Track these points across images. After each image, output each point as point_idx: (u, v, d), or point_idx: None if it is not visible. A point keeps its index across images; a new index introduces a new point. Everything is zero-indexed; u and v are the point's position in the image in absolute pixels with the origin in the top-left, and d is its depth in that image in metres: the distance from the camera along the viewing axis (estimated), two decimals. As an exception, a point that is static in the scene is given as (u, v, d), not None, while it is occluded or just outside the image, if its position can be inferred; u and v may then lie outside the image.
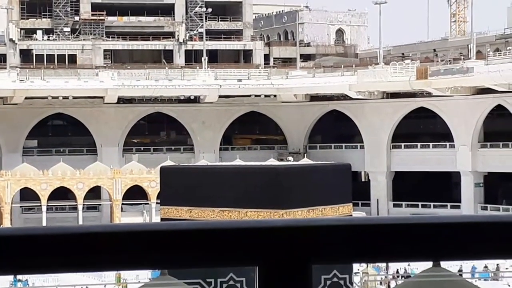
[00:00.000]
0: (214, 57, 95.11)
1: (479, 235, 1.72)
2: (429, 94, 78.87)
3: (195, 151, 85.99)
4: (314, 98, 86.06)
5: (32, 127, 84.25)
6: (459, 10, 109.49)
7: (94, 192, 79.07)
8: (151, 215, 76.20)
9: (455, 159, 78.09)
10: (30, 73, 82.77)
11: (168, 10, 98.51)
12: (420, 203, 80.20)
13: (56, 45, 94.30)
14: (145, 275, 40.68)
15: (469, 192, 77.73)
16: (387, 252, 1.72)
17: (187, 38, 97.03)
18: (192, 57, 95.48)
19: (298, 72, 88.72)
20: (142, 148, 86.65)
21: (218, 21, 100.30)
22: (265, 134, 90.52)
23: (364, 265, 37.89)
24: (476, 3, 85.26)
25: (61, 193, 76.76)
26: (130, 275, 47.80)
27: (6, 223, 74.00)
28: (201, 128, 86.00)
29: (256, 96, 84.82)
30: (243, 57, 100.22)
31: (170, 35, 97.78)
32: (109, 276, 47.99)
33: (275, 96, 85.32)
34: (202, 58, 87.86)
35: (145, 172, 77.05)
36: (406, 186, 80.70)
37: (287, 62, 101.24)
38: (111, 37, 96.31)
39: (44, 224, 71.30)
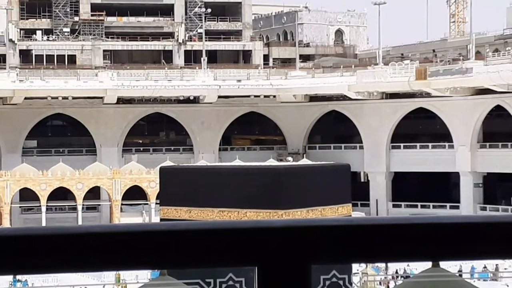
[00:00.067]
0: (214, 58, 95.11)
1: (478, 236, 1.72)
2: (428, 95, 78.88)
3: (194, 152, 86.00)
4: (313, 98, 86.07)
5: (31, 127, 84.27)
6: (458, 11, 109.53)
7: (94, 193, 79.07)
8: (150, 215, 76.20)
9: (454, 160, 78.11)
10: (29, 74, 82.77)
11: (167, 11, 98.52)
12: (419, 204, 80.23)
13: (56, 45, 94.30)
14: (144, 275, 40.68)
15: (468, 193, 77.76)
16: (386, 252, 1.72)
17: (186, 38, 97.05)
18: (192, 58, 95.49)
19: (298, 73, 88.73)
20: (141, 148, 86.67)
21: (217, 21, 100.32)
22: (264, 134, 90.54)
23: (363, 265, 37.89)
24: (475, 3, 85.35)
25: (61, 194, 76.77)
26: (129, 275, 47.81)
27: (6, 223, 74.01)
28: (200, 128, 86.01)
29: (255, 96, 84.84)
30: (243, 58, 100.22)
31: (169, 35, 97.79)
32: (109, 276, 48.00)
33: (274, 96, 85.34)
34: (202, 59, 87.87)
35: (145, 173, 77.05)
36: (406, 186, 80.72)
37: (287, 62, 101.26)
38: (111, 38, 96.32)
39: (43, 224, 71.31)
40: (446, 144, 79.69)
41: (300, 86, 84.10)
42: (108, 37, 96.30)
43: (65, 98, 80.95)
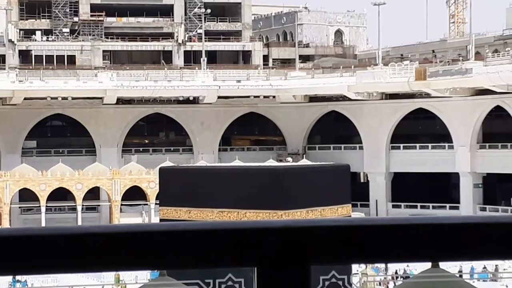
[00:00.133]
0: (213, 58, 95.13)
1: (478, 236, 1.72)
2: (428, 95, 78.90)
3: (194, 152, 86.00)
4: (313, 99, 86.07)
5: (31, 127, 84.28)
6: (458, 11, 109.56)
7: (93, 193, 79.07)
8: (150, 216, 76.19)
9: (454, 160, 78.11)
10: (29, 74, 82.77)
11: (167, 11, 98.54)
12: (419, 204, 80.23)
13: (55, 45, 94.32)
14: (144, 275, 40.68)
15: (468, 193, 77.77)
16: (386, 253, 1.72)
17: (186, 39, 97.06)
18: (191, 58, 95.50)
19: (297, 73, 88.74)
20: (141, 149, 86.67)
21: (217, 22, 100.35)
22: (264, 135, 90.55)
23: (363, 266, 37.88)
24: (474, 4, 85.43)
25: (60, 194, 76.76)
26: (129, 276, 47.81)
27: (5, 224, 73.99)
28: (200, 129, 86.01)
29: (255, 97, 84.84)
30: (242, 58, 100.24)
31: (169, 36, 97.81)
32: (108, 276, 48.00)
33: (274, 97, 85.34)
34: (201, 59, 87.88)
35: (144, 173, 77.04)
36: (405, 187, 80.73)
37: (286, 63, 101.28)
38: (110, 38, 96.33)
39: (43, 224, 71.34)
40: (446, 144, 79.69)
41: (300, 86, 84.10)
42: (107, 38, 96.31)
43: (64, 98, 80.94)
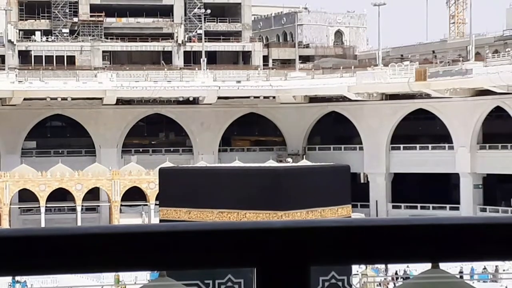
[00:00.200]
0: (213, 59, 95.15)
1: (478, 237, 1.72)
2: (428, 96, 78.90)
3: (194, 153, 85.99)
4: (313, 99, 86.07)
5: (30, 128, 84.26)
6: (458, 12, 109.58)
7: (93, 194, 79.05)
8: (150, 216, 76.18)
9: (454, 161, 78.11)
10: (28, 74, 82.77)
11: (167, 12, 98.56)
12: (419, 205, 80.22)
13: (55, 46, 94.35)
14: (143, 276, 40.67)
15: (468, 194, 77.76)
16: (386, 253, 1.72)
17: (186, 39, 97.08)
18: (191, 59, 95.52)
19: (297, 74, 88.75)
20: (141, 149, 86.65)
21: (217, 22, 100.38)
22: (264, 135, 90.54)
23: (363, 266, 37.88)
24: (475, 4, 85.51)
25: (60, 194, 76.74)
26: (128, 277, 47.80)
27: (5, 224, 73.99)
28: (200, 129, 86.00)
29: (255, 97, 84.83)
30: (242, 59, 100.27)
31: (169, 36, 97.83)
32: (108, 277, 47.98)
33: (274, 97, 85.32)
34: (201, 60, 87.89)
35: (144, 174, 77.02)
36: (405, 187, 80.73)
37: (286, 63, 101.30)
38: (110, 39, 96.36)
39: (42, 225, 71.31)
40: (446, 145, 79.69)
41: (300, 87, 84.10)
42: (107, 38, 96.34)
43: (64, 99, 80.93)
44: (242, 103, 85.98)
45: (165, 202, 45.57)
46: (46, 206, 76.13)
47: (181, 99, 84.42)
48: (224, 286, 16.96)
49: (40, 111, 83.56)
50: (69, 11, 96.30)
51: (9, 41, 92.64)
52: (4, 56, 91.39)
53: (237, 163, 70.53)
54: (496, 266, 50.66)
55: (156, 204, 67.82)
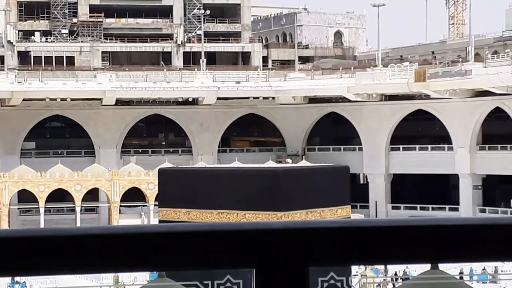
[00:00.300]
0: (213, 59, 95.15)
1: (477, 238, 1.72)
2: (427, 97, 78.92)
3: (193, 153, 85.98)
4: (312, 100, 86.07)
5: (30, 129, 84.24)
6: (458, 13, 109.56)
7: (92, 194, 79.03)
8: (149, 217, 76.15)
9: (453, 162, 78.11)
10: (28, 75, 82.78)
11: (166, 12, 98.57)
12: (418, 206, 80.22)
13: (54, 47, 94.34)
14: (143, 277, 40.68)
15: (468, 195, 77.77)
16: (385, 254, 1.72)
17: (185, 40, 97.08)
18: (191, 59, 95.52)
19: (297, 74, 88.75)
20: (140, 150, 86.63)
21: (216, 23, 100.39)
22: (263, 136, 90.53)
23: (362, 267, 37.89)
24: (474, 5, 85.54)
25: (59, 195, 76.71)
26: (128, 277, 47.80)
27: (4, 225, 73.97)
28: (199, 130, 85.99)
29: (254, 98, 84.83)
30: (242, 59, 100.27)
31: (168, 37, 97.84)
32: (107, 278, 47.98)
33: (273, 98, 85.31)
34: (201, 60, 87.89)
35: (143, 174, 77.01)
36: (405, 188, 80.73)
37: (286, 64, 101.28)
38: (109, 39, 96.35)
39: (42, 226, 71.31)
40: (446, 146, 79.70)
41: (299, 87, 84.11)
42: (106, 39, 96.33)
43: (63, 99, 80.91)
44: (242, 103, 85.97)
45: (165, 202, 45.56)
46: (45, 207, 76.11)
47: (180, 99, 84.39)
48: (223, 287, 16.97)
49: (39, 112, 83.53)
50: (69, 11, 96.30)
51: (9, 41, 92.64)
52: (3, 56, 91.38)
53: (236, 164, 70.48)
54: (496, 267, 50.68)
55: (155, 205, 67.77)
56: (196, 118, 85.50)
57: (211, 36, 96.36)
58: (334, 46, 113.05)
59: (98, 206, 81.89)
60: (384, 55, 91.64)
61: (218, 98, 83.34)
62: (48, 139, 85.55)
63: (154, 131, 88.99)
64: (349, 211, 46.25)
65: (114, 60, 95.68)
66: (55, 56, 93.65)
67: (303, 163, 74.18)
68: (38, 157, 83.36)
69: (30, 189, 75.32)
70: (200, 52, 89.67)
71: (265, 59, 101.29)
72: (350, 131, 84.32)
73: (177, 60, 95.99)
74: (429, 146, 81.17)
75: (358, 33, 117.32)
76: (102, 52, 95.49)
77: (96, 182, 76.79)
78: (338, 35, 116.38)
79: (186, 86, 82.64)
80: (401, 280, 45.23)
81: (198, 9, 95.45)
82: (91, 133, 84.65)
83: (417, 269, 30.49)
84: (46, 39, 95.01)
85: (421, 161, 79.91)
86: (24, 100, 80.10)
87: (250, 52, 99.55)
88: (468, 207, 77.21)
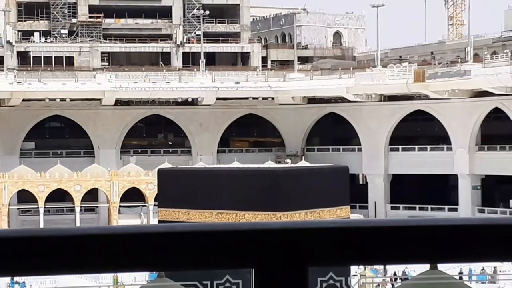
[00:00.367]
0: (212, 60, 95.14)
1: (476, 238, 1.72)
2: (426, 97, 78.92)
3: (192, 154, 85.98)
4: (311, 100, 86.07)
5: (29, 129, 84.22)
6: (457, 13, 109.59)
7: (92, 194, 79.04)
8: (148, 217, 76.16)
9: (452, 162, 78.12)
10: (27, 75, 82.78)
11: (165, 13, 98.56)
12: (417, 206, 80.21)
13: (54, 47, 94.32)
14: (142, 277, 40.69)
15: (467, 195, 77.78)
16: (384, 254, 1.72)
17: (184, 40, 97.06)
18: (190, 60, 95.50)
19: (296, 75, 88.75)
20: (139, 150, 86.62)
21: (215, 23, 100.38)
22: (262, 136, 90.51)
23: (361, 267, 37.89)
24: (473, 6, 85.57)
25: (59, 195, 76.70)
26: (127, 277, 47.79)
27: (4, 225, 73.95)
28: (198, 130, 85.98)
29: (253, 98, 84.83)
30: (241, 60, 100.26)
31: (167, 37, 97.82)
32: (107, 278, 47.97)
33: (272, 98, 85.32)
34: (200, 61, 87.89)
35: (143, 174, 77.01)
36: (404, 188, 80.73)
37: (285, 64, 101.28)
38: (109, 40, 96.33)
39: (41, 226, 71.30)
40: (445, 146, 79.71)
41: (299, 88, 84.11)
42: (106, 39, 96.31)
43: (63, 100, 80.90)
44: (241, 104, 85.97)
45: (164, 203, 45.52)
46: (45, 207, 76.10)
47: (179, 100, 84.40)
48: (222, 287, 16.97)
49: (38, 112, 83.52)
50: (68, 12, 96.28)
51: (8, 42, 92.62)
52: (3, 57, 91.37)
53: (235, 164, 70.44)
54: (495, 267, 50.67)
55: (154, 205, 67.72)
56: (196, 118, 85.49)
57: (210, 37, 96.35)
58: (333, 46, 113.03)
59: (97, 206, 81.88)
60: (383, 55, 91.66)
61: (218, 99, 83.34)
62: (47, 139, 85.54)
63: (153, 132, 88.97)
64: (348, 211, 46.21)
65: (113, 61, 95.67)
66: (55, 57, 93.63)
67: (303, 163, 74.14)
68: (37, 157, 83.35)
69: (30, 189, 75.31)
70: (200, 53, 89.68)
71: (264, 59, 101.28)
72: (349, 132, 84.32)
73: (177, 61, 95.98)
74: (428, 147, 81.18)
75: (357, 34, 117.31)
76: (102, 53, 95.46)
77: (95, 182, 76.78)
78: (337, 35, 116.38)
79: (185, 86, 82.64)
80: (400, 280, 45.24)
81: (197, 9, 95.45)
82: (91, 133, 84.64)
83: (416, 269, 30.48)
84: (46, 39, 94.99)
85: (420, 161, 79.92)
86: (23, 100, 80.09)
87: (249, 53, 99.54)
88: (467, 207, 77.21)
